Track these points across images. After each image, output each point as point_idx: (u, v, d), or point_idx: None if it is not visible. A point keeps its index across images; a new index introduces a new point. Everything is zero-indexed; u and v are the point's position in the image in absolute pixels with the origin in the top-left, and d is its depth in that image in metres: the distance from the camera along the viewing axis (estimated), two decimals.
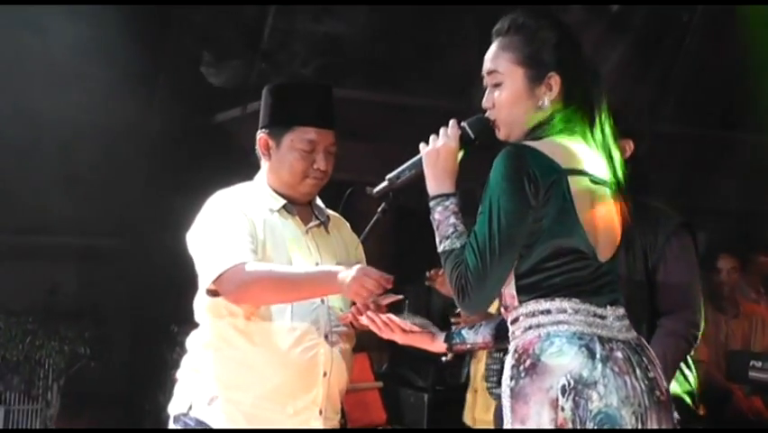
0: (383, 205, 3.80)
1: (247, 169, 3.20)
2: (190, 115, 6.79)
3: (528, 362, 2.30)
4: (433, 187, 2.47)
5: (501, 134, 2.51)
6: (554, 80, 2.44)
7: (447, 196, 2.44)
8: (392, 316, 2.91)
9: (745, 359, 5.59)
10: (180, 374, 3.09)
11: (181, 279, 3.10)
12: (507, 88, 2.48)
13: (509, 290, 2.37)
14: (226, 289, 2.89)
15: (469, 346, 2.95)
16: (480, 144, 2.53)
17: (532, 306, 2.34)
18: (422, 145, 2.56)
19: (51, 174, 6.31)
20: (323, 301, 3.04)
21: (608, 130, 2.46)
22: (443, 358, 4.84)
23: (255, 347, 2.95)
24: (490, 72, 2.51)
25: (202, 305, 3.03)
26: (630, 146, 3.53)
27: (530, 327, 2.34)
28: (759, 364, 5.42)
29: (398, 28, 6.86)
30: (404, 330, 2.89)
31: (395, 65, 6.81)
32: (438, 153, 2.49)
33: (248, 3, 6.50)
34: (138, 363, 6.93)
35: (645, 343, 2.44)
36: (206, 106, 6.83)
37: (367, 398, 5.85)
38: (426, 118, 7.64)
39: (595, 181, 2.39)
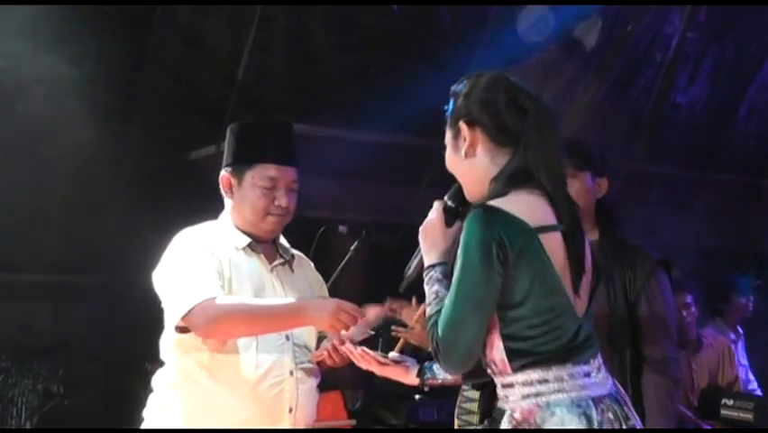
0: (356, 243, 3.85)
1: (221, 207, 3.22)
2: (164, 153, 6.79)
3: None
4: (425, 260, 2.53)
5: (466, 195, 2.54)
6: (463, 128, 2.46)
7: (434, 266, 2.48)
8: (366, 349, 2.96)
9: (716, 397, 5.60)
10: (147, 413, 3.09)
11: (155, 316, 3.10)
12: (447, 153, 2.54)
13: (498, 354, 2.37)
14: (196, 323, 2.90)
15: (440, 381, 3.00)
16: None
17: (528, 375, 2.35)
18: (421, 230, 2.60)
19: (24, 211, 6.29)
20: (288, 338, 3.06)
21: (558, 174, 2.43)
22: (417, 396, 4.88)
23: (220, 385, 2.96)
24: None
25: (169, 342, 3.04)
26: (605, 185, 3.58)
27: (528, 396, 2.35)
28: (731, 403, 5.44)
29: (375, 66, 6.90)
30: (380, 362, 2.98)
31: (371, 103, 6.84)
32: (425, 230, 2.55)
33: (244, 3, 6.51)
34: (112, 401, 6.88)
35: (619, 387, 2.48)
36: (181, 144, 6.83)
37: None
38: (401, 156, 7.72)
39: (564, 234, 2.39)
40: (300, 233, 3.38)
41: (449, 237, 2.51)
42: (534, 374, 2.34)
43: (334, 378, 3.23)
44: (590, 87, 7.29)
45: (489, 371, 2.44)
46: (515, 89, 2.47)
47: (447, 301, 2.34)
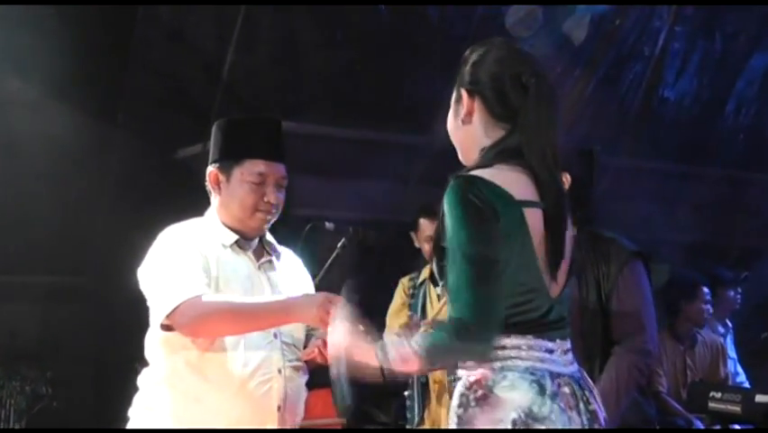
0: (343, 240, 3.84)
1: (207, 205, 3.19)
2: (150, 152, 6.76)
3: (480, 392, 2.31)
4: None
5: (460, 157, 2.55)
6: (464, 96, 2.48)
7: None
8: None
9: (704, 390, 5.61)
10: (132, 413, 3.06)
11: (143, 316, 3.08)
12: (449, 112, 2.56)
13: None
14: (182, 322, 2.87)
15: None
16: None
17: None
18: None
19: (8, 212, 6.25)
20: (276, 336, 3.03)
21: (550, 155, 2.41)
22: (406, 393, 4.87)
23: (208, 383, 2.94)
24: None
25: (155, 340, 3.01)
26: (567, 179, 3.57)
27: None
28: (719, 395, 5.44)
29: (361, 63, 6.88)
30: None
31: (358, 100, 6.82)
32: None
33: (228, 2, 6.48)
34: (100, 402, 6.84)
35: (585, 375, 2.47)
36: (167, 143, 6.80)
37: None
38: (389, 153, 7.71)
39: (546, 213, 2.38)
40: (287, 230, 3.35)
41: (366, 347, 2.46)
42: None
43: (325, 376, 3.20)
44: (579, 81, 7.29)
45: None
46: (521, 65, 2.45)
47: (455, 284, 2.26)
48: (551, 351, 2.37)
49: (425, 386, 4.86)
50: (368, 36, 6.79)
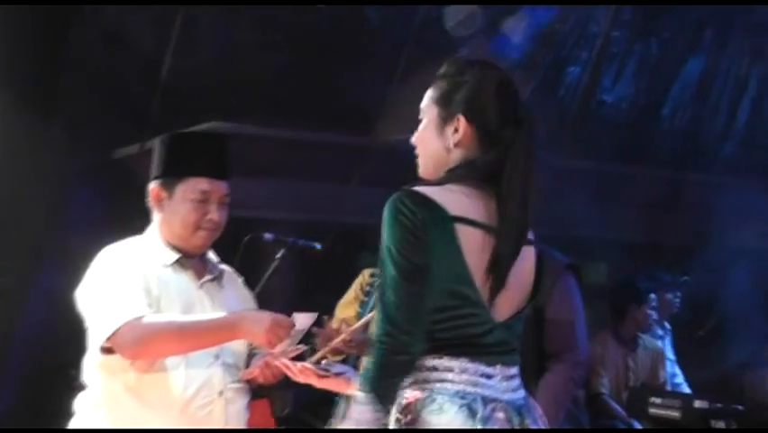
0: (282, 251, 3.81)
1: (143, 206, 3.13)
2: (87, 153, 6.67)
3: (410, 417, 2.29)
4: None
5: (420, 171, 2.52)
6: (461, 122, 2.43)
7: None
8: (306, 363, 2.91)
9: (644, 395, 5.66)
10: None
11: (75, 320, 3.01)
12: (423, 125, 2.52)
13: None
14: (123, 344, 2.81)
15: None
16: None
17: (420, 360, 2.32)
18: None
19: None
20: (217, 357, 2.99)
21: (517, 183, 2.39)
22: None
23: (147, 407, 2.89)
24: (420, 110, 2.54)
25: (93, 363, 2.94)
26: None
27: (416, 382, 2.32)
28: (659, 401, 5.49)
29: (301, 64, 6.85)
30: (319, 375, 2.95)
31: (297, 101, 6.78)
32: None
33: (167, 3, 6.42)
34: (33, 407, 6.73)
35: (532, 403, 2.45)
36: (103, 144, 6.72)
37: None
38: (329, 154, 7.68)
39: (493, 237, 2.36)
40: (227, 232, 3.31)
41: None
42: (425, 361, 2.32)
43: (262, 386, 3.17)
44: (518, 84, 7.31)
45: None
46: (517, 97, 2.48)
47: (384, 295, 2.29)
48: (488, 376, 2.34)
49: None
50: (308, 37, 6.76)
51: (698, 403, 5.30)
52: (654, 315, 6.24)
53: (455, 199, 2.34)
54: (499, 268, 2.36)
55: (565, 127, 7.75)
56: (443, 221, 2.29)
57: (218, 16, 6.52)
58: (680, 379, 6.58)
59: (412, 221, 2.27)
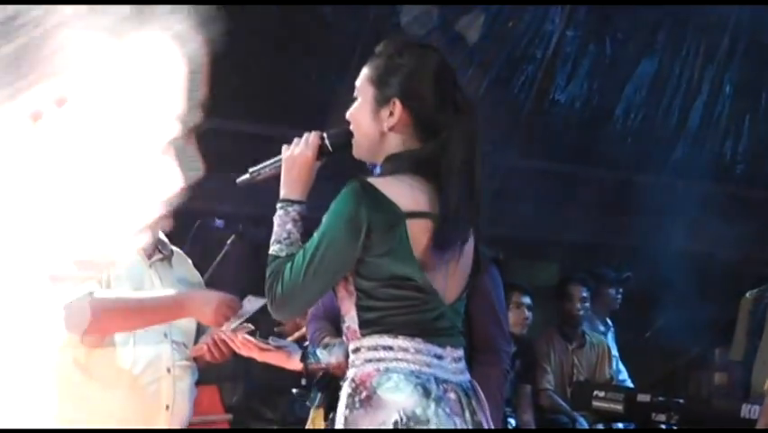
0: (232, 237, 3.80)
1: None
2: None
3: (364, 394, 2.32)
4: (282, 191, 2.48)
5: (354, 151, 2.51)
6: (396, 106, 2.42)
7: (292, 202, 2.45)
8: (248, 336, 2.94)
9: (588, 389, 5.74)
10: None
11: None
12: (358, 104, 2.50)
13: (352, 321, 2.39)
14: (72, 321, 2.80)
15: (323, 366, 3.00)
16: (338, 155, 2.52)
17: (375, 340, 2.36)
18: (284, 147, 2.53)
19: None
20: (166, 335, 3.00)
21: (456, 170, 2.39)
22: (294, 390, 4.85)
23: (95, 382, 2.90)
24: (356, 87, 2.52)
25: None
26: None
27: (370, 360, 2.36)
28: (602, 394, 5.57)
29: (254, 58, 6.81)
30: (260, 348, 2.97)
31: (250, 94, 6.75)
32: (294, 161, 2.49)
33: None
34: None
35: (477, 386, 2.48)
36: None
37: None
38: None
39: (437, 224, 2.37)
40: (176, 223, 3.30)
41: (313, 176, 2.48)
42: (380, 340, 2.35)
43: (211, 373, 3.18)
44: (471, 81, 7.32)
45: (344, 337, 2.46)
46: (454, 80, 2.46)
47: (299, 258, 2.33)
48: (440, 357, 2.38)
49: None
50: (261, 31, 6.73)
51: (640, 397, 5.38)
52: (580, 307, 6.27)
53: (406, 193, 2.35)
54: (444, 253, 2.39)
55: (517, 127, 7.78)
56: (396, 222, 2.31)
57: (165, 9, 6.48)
58: (624, 375, 6.64)
59: (358, 214, 2.30)
